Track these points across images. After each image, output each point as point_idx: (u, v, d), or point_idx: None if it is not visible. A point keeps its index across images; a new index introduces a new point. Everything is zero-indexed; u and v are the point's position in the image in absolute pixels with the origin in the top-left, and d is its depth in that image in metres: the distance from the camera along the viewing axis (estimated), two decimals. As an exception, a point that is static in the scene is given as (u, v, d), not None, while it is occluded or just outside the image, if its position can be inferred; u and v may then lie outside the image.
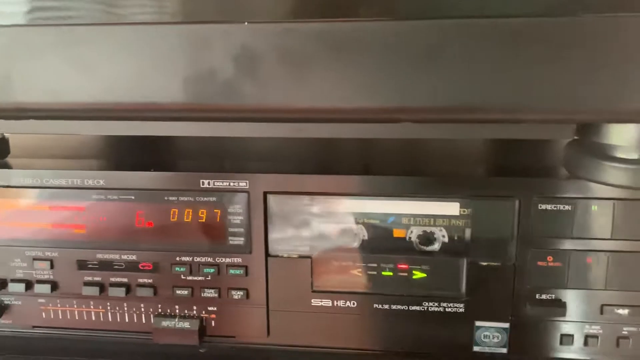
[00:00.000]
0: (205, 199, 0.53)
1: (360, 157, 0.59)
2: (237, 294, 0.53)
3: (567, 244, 0.48)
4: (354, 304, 0.53)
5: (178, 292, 0.54)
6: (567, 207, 0.48)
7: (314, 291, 0.52)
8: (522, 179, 0.48)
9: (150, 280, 0.54)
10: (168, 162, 0.55)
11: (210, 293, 0.53)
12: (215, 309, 0.54)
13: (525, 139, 0.52)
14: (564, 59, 0.28)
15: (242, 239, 0.53)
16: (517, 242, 0.49)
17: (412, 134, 0.52)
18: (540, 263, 0.49)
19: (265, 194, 0.51)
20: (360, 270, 0.52)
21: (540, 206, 0.48)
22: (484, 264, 0.50)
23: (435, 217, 0.50)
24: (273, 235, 0.52)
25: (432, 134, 0.50)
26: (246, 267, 0.53)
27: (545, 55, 0.28)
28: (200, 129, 0.50)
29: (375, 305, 0.52)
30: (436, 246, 0.51)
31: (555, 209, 0.48)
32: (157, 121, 0.46)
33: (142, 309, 0.55)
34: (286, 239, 0.52)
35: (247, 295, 0.53)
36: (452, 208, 0.50)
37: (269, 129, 0.48)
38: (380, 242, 0.51)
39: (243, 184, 0.52)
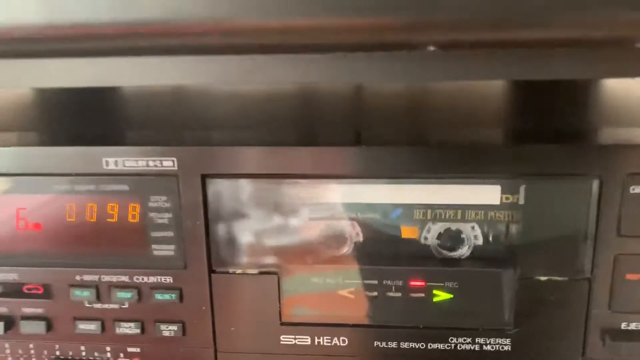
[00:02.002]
0: (113, 187, 0.38)
1: (350, 122, 0.46)
2: (168, 330, 0.40)
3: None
4: (344, 341, 0.39)
5: (82, 326, 0.40)
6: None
7: (283, 324, 0.39)
8: (604, 148, 0.35)
9: (40, 310, 0.40)
10: (57, 132, 0.41)
11: (128, 328, 0.40)
12: (137, 350, 0.41)
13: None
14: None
15: (172, 247, 0.39)
16: (595, 246, 0.36)
17: (422, 77, 0.33)
18: (630, 276, 0.36)
19: (203, 178, 0.37)
20: (353, 290, 0.39)
21: (634, 189, 0.34)
22: (542, 279, 0.37)
23: (464, 208, 0.37)
24: (219, 241, 0.39)
25: (453, 74, 0.31)
26: (180, 289, 0.39)
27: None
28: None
29: (377, 344, 0.39)
30: (466, 251, 0.38)
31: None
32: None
33: (32, 353, 0.42)
34: (240, 246, 0.39)
35: (184, 331, 0.40)
36: (489, 194, 0.37)
37: (200, 71, 0.28)
38: (383, 247, 0.38)
39: (169, 164, 0.37)
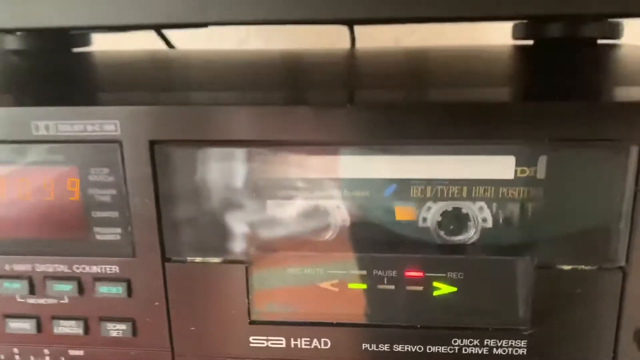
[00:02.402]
0: (45, 157, 0.32)
1: (341, 83, 0.38)
2: (116, 329, 0.34)
3: None
4: (326, 344, 0.34)
5: (13, 325, 0.35)
6: None
7: (253, 322, 0.34)
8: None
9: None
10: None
11: (69, 327, 0.34)
12: (80, 354, 0.35)
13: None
14: None
15: (118, 230, 0.33)
16: (631, 228, 0.30)
17: (420, 10, 0.26)
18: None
19: (152, 145, 0.31)
20: (337, 282, 0.34)
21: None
22: (565, 268, 0.32)
23: (470, 183, 0.32)
24: (173, 223, 0.33)
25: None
26: (128, 281, 0.33)
27: None
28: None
29: (366, 346, 0.34)
30: (473, 236, 0.33)
31: None
32: None
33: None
34: (199, 230, 0.33)
35: (134, 331, 0.34)
36: (501, 166, 0.32)
37: (144, 9, 0.22)
38: (373, 231, 0.33)
39: (110, 128, 0.31)
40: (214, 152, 0.32)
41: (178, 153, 0.31)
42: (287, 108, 0.30)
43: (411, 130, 0.30)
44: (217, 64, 0.46)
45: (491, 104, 0.30)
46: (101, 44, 0.52)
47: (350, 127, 0.30)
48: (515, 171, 0.32)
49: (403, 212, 0.33)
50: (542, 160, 0.31)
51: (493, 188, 0.32)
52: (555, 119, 0.29)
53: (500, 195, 0.32)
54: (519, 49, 0.48)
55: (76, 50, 0.49)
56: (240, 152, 0.32)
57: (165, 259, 0.33)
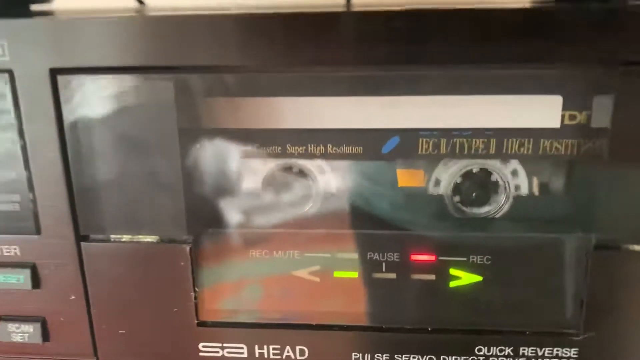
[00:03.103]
0: None
1: None
2: (19, 332, 0.27)
3: None
4: (302, 353, 0.27)
5: None
6: None
7: (202, 324, 0.27)
8: None
9: None
10: None
11: None
12: None
13: None
14: None
15: (16, 197, 0.25)
16: None
17: None
18: None
19: (54, 74, 0.23)
20: (318, 270, 0.27)
21: None
22: (633, 248, 0.25)
23: (499, 134, 0.25)
24: (90, 188, 0.25)
25: None
26: (33, 267, 0.26)
27: None
28: None
29: (356, 357, 0.27)
30: (503, 207, 0.26)
31: None
32: None
33: None
34: (126, 197, 0.26)
35: (45, 334, 0.27)
36: (543, 110, 0.25)
37: None
38: (367, 202, 0.27)
39: None
40: (143, 84, 0.23)
41: (90, 86, 0.23)
42: (238, 15, 0.22)
43: (424, 50, 0.22)
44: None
45: (527, 12, 0.22)
46: (64, 1, 0.44)
47: (340, 44, 0.22)
48: (563, 116, 0.25)
49: (408, 176, 0.27)
50: (599, 102, 0.24)
51: (531, 140, 0.25)
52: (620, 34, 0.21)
53: (540, 151, 0.25)
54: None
55: (35, 7, 0.42)
56: (178, 87, 0.24)
57: (81, 237, 0.26)
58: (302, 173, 0.26)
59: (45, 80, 0.23)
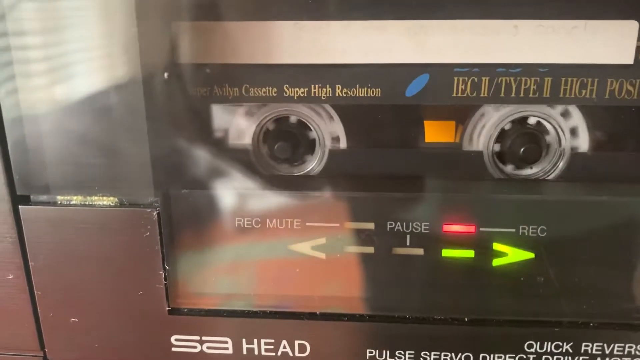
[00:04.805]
0: None
1: None
2: None
3: None
4: (303, 349, 0.23)
5: None
6: None
7: (175, 311, 0.23)
8: None
9: None
10: None
11: None
12: None
13: None
14: None
15: None
16: None
17: None
18: None
19: None
20: (323, 244, 0.23)
21: None
22: None
23: (554, 72, 0.21)
24: (28, 134, 0.21)
25: None
26: None
27: None
28: None
29: (372, 353, 0.23)
30: (558, 165, 0.23)
31: None
32: None
33: None
34: (76, 146, 0.21)
35: None
36: (612, 40, 0.21)
37: None
38: (387, 159, 0.24)
39: None
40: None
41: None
42: None
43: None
44: None
45: None
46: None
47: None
48: (638, 49, 0.20)
49: (437, 128, 0.23)
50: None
51: (595, 81, 0.21)
52: None
53: (607, 94, 0.21)
54: None
55: None
56: (144, 11, 0.19)
57: (18, 199, 0.22)
58: (303, 124, 0.22)
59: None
